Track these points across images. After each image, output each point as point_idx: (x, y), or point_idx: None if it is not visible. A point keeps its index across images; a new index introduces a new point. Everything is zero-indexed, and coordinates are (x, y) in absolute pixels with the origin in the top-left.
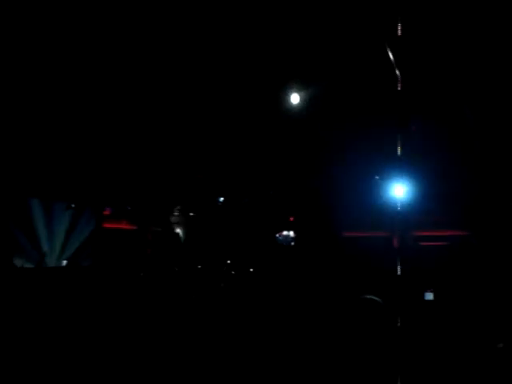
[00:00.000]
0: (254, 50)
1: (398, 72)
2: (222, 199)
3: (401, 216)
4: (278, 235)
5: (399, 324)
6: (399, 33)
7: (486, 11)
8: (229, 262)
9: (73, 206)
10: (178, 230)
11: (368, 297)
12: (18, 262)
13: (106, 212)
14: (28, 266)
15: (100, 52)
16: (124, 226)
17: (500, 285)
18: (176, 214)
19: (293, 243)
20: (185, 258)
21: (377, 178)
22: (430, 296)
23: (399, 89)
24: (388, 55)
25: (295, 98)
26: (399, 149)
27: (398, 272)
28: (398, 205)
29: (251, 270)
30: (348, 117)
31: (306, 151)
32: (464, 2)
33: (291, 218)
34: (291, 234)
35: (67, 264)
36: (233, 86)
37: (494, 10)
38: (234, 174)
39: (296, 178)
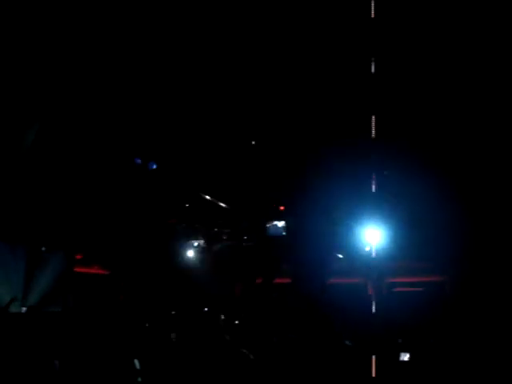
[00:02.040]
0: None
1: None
2: (197, 243)
3: (375, 262)
4: (268, 225)
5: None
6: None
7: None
8: (206, 309)
9: (43, 249)
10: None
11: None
12: None
13: (78, 256)
14: None
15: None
16: (96, 270)
17: (474, 328)
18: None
19: (284, 233)
20: (159, 304)
21: (351, 223)
22: (405, 357)
23: (373, 131)
24: None
25: None
26: (373, 194)
27: (373, 318)
28: (372, 251)
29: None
30: (323, 165)
31: (280, 194)
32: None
33: (281, 208)
34: (281, 224)
35: (27, 311)
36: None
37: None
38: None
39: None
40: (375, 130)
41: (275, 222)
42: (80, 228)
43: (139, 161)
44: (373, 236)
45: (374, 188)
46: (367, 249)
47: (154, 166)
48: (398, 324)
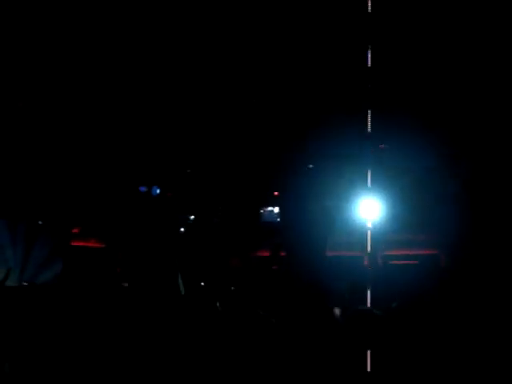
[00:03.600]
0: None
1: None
2: (192, 217)
3: (371, 235)
4: (262, 211)
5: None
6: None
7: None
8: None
9: (40, 223)
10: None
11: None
12: None
13: (75, 230)
14: None
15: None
16: (93, 244)
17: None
18: None
19: (278, 219)
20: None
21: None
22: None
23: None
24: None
25: None
26: (369, 168)
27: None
28: (369, 224)
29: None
30: (316, 138)
31: (274, 170)
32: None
33: (276, 193)
34: (276, 209)
35: (27, 285)
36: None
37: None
38: (204, 192)
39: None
40: (371, 101)
41: (269, 208)
42: (77, 202)
43: (143, 189)
44: (369, 210)
45: (371, 163)
46: (364, 222)
47: (158, 191)
48: (393, 295)
